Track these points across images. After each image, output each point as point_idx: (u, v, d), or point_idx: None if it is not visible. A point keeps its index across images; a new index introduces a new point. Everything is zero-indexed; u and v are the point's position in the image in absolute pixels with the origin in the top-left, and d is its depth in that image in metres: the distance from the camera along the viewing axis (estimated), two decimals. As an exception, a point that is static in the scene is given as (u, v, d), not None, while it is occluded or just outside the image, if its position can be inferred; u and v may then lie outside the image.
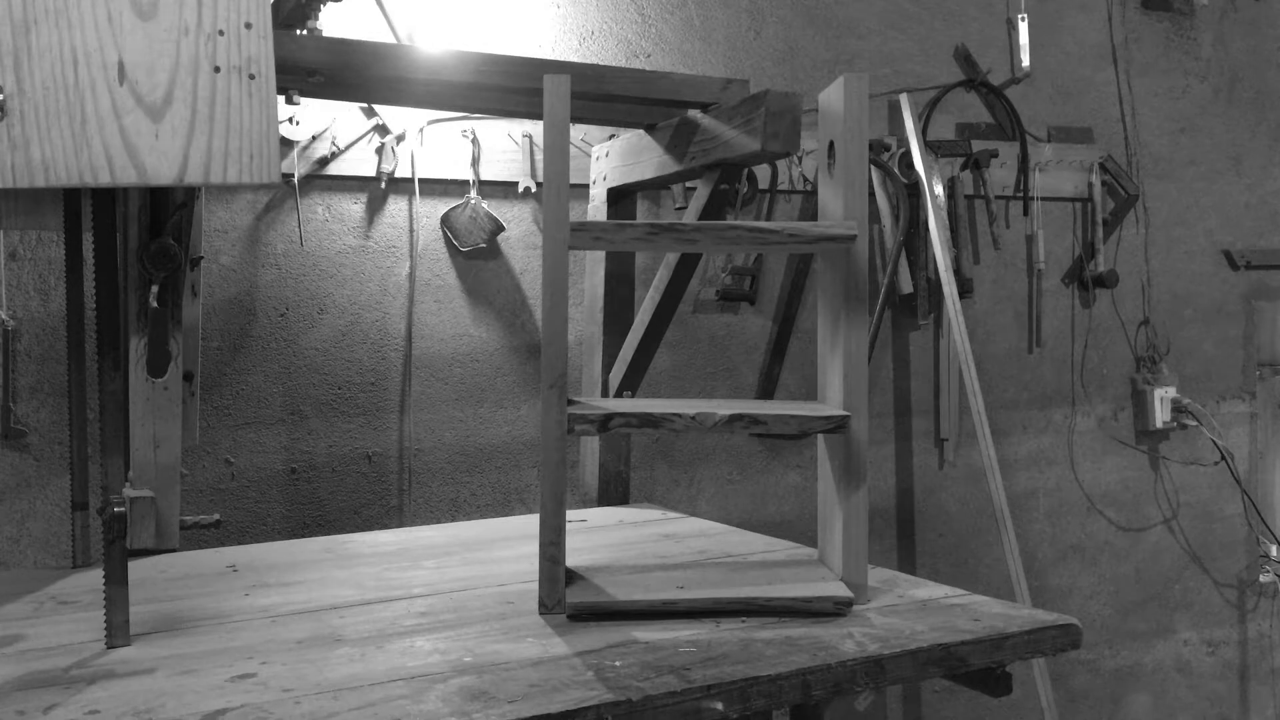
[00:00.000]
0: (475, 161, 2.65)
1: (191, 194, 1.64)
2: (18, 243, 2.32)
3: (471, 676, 1.37)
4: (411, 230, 2.64)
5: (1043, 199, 3.39)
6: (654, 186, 2.65)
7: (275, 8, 1.86)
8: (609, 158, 2.55)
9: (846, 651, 1.45)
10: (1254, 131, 3.82)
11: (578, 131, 2.67)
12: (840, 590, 1.65)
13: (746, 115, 2.00)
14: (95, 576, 1.65)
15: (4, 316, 2.29)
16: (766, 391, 3.04)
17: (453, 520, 2.67)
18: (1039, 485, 3.47)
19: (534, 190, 2.72)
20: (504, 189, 2.71)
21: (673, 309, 2.37)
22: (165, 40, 1.39)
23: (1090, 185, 3.46)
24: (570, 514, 2.33)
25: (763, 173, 2.97)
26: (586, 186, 2.68)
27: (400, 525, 2.60)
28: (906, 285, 3.16)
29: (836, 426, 1.68)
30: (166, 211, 1.58)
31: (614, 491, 2.59)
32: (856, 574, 1.70)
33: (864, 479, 1.70)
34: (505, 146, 2.69)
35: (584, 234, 1.66)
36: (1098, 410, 3.55)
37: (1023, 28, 3.34)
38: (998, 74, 3.35)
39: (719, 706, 1.33)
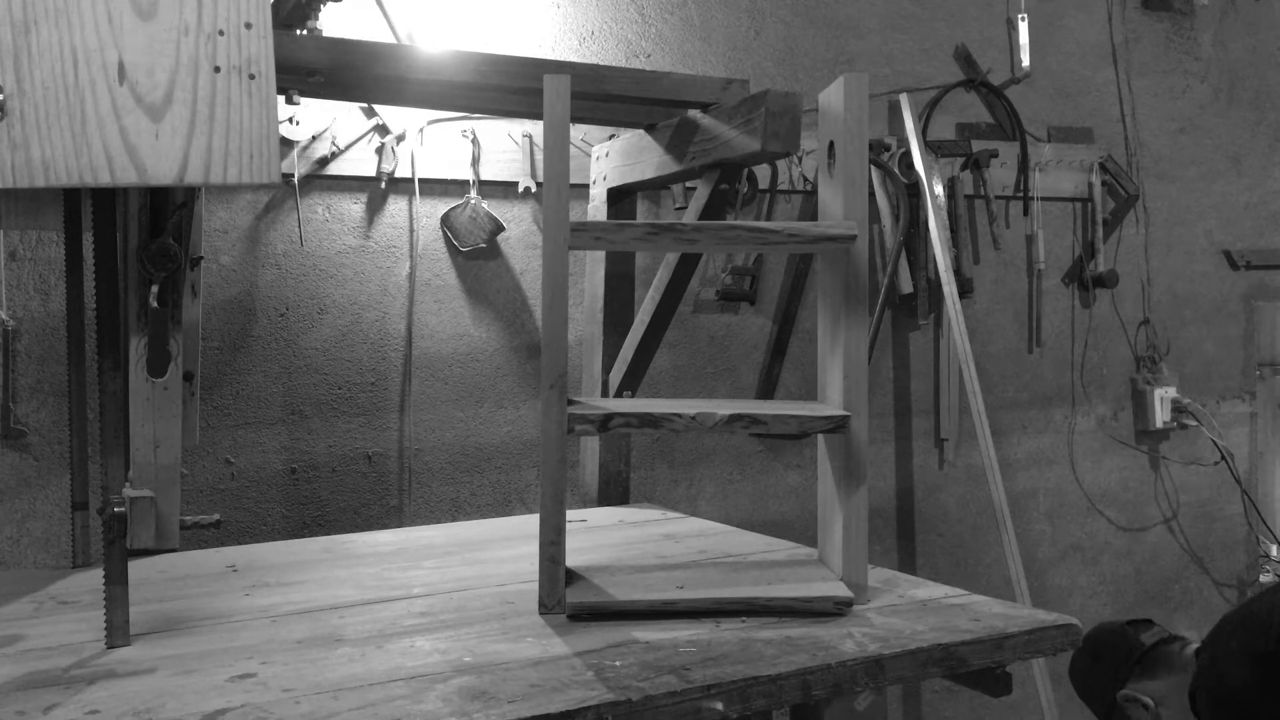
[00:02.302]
0: (475, 161, 2.65)
1: (191, 194, 1.64)
2: (18, 243, 2.32)
3: (471, 676, 1.37)
4: (411, 230, 2.64)
5: (1043, 199, 3.39)
6: (654, 186, 2.65)
7: (275, 8, 1.86)
8: (609, 158, 2.55)
9: (846, 651, 1.45)
10: (1254, 131, 3.82)
11: (578, 131, 2.67)
12: (840, 590, 1.65)
13: (746, 115, 2.00)
14: (95, 576, 1.65)
15: (4, 316, 2.29)
16: (766, 391, 3.04)
17: (453, 520, 2.67)
18: (1039, 485, 3.46)
19: (534, 190, 2.72)
20: (504, 189, 2.71)
21: (673, 309, 2.37)
22: (165, 40, 1.39)
23: (1090, 185, 3.46)
24: (570, 514, 2.33)
25: (763, 173, 2.97)
26: (586, 186, 2.68)
27: (400, 525, 2.60)
28: (906, 285, 3.16)
29: (836, 426, 1.68)
30: (166, 211, 1.58)
31: (614, 491, 2.59)
32: (856, 574, 1.70)
33: (864, 479, 1.70)
34: (505, 146, 2.69)
35: (584, 234, 1.66)
36: (1098, 410, 3.55)
37: (1023, 28, 3.35)
38: (998, 74, 3.35)
39: (719, 706, 1.33)
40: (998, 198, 3.33)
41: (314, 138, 2.52)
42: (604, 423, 1.66)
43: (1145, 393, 3.57)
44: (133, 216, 1.58)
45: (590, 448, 2.62)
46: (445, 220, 2.66)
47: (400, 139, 2.59)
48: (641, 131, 2.39)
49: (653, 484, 2.91)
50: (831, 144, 1.74)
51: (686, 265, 2.30)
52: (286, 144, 2.48)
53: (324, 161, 2.54)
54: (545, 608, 1.64)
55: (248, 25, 1.42)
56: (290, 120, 2.46)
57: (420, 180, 2.62)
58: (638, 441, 2.84)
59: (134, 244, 1.58)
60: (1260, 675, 1.74)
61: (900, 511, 3.27)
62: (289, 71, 1.89)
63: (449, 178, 2.65)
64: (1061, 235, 3.47)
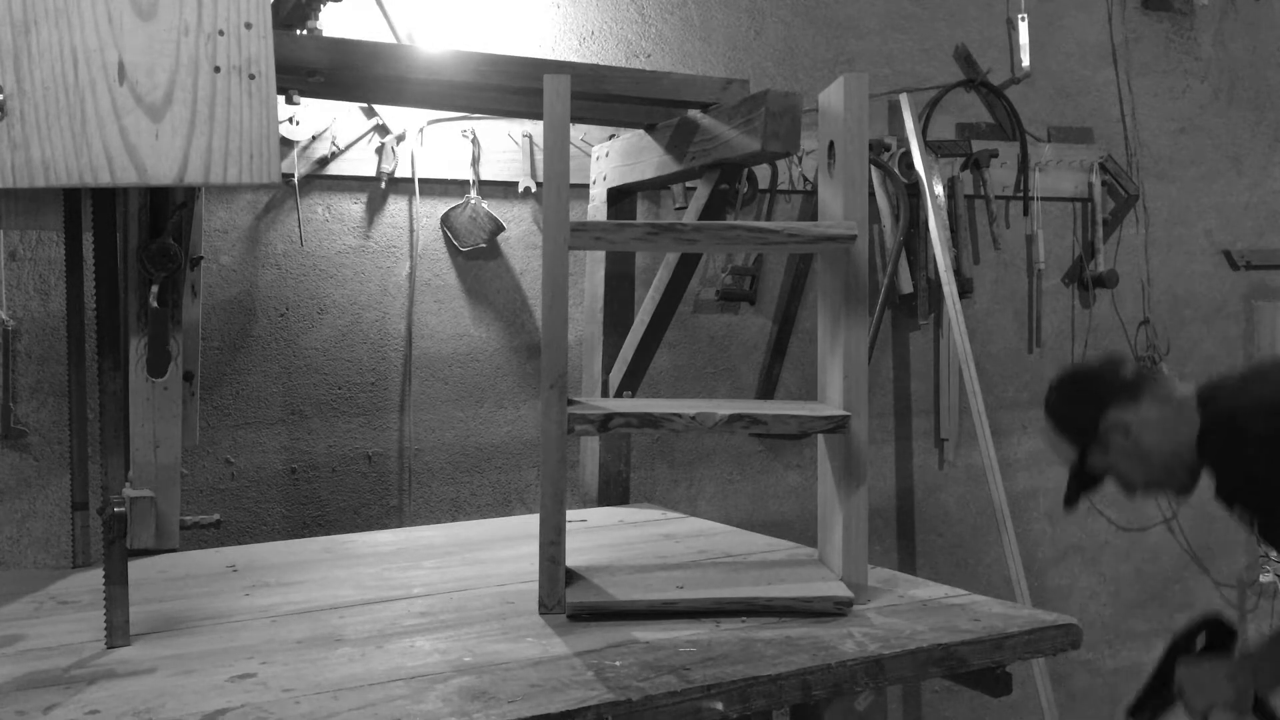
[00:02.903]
0: (475, 161, 2.65)
1: (191, 194, 1.64)
2: (18, 243, 2.32)
3: (471, 676, 1.37)
4: (411, 230, 2.64)
5: (1043, 199, 3.39)
6: (654, 186, 2.65)
7: (275, 8, 1.86)
8: (609, 158, 2.55)
9: (846, 651, 1.45)
10: (1254, 131, 3.82)
11: (578, 131, 2.67)
12: (840, 590, 1.65)
13: (746, 115, 2.00)
14: (95, 576, 1.65)
15: (4, 316, 2.29)
16: (766, 391, 3.04)
17: (453, 520, 2.66)
18: (1039, 485, 3.46)
19: (534, 190, 2.72)
20: (504, 189, 2.71)
21: (673, 309, 2.37)
22: (165, 40, 1.39)
23: (1090, 185, 3.45)
24: (570, 514, 2.33)
25: (763, 173, 2.97)
26: (586, 186, 2.68)
27: (400, 525, 2.60)
28: (906, 285, 3.16)
29: (836, 426, 1.68)
30: (166, 211, 1.58)
31: (614, 491, 2.59)
32: (856, 574, 1.70)
33: (864, 479, 1.70)
34: (505, 146, 2.69)
35: (584, 234, 1.66)
36: (1098, 410, 3.54)
37: (1023, 28, 3.34)
38: (998, 74, 3.35)
39: (719, 706, 1.33)
40: (998, 198, 3.33)
41: (314, 138, 2.52)
42: (604, 423, 1.66)
43: (1145, 393, 3.56)
44: (133, 216, 1.58)
45: (590, 448, 2.62)
46: (445, 220, 2.66)
47: (400, 139, 2.58)
48: (641, 131, 2.39)
49: (653, 484, 2.91)
50: (831, 144, 1.74)
51: (686, 265, 2.30)
52: (286, 144, 2.48)
53: (324, 161, 2.53)
54: (545, 608, 1.64)
55: (248, 25, 1.42)
56: (290, 120, 2.46)
57: (420, 180, 2.62)
58: (638, 441, 2.84)
59: (134, 244, 1.58)
60: None
61: (900, 511, 3.27)
62: (289, 71, 1.89)
63: (449, 178, 2.65)
64: (1061, 235, 3.47)
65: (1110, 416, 1.96)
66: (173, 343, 1.61)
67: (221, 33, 1.41)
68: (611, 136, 2.65)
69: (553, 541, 1.63)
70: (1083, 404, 2.02)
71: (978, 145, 3.28)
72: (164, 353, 1.60)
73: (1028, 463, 3.44)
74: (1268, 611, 3.85)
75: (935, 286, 3.15)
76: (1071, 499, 2.10)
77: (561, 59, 2.74)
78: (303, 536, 2.50)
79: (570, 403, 1.68)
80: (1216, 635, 2.08)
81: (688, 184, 2.71)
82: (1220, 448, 1.85)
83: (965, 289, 3.23)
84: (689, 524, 2.34)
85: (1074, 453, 2.03)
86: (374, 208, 2.62)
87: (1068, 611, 2.22)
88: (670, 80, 2.15)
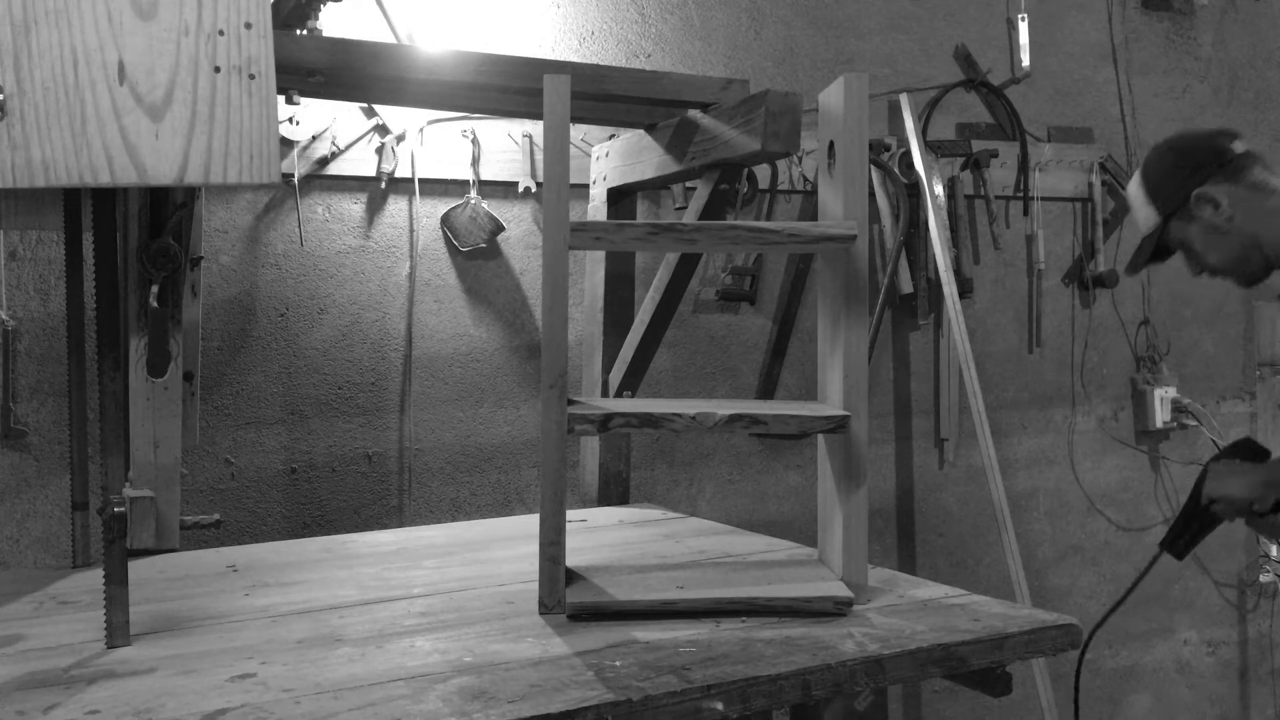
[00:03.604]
0: (475, 161, 2.65)
1: (191, 194, 1.64)
2: (18, 243, 2.32)
3: (471, 676, 1.37)
4: (411, 230, 2.64)
5: (1043, 199, 3.39)
6: (654, 186, 2.65)
7: (275, 8, 1.86)
8: (609, 158, 2.55)
9: (846, 651, 1.45)
10: (1254, 131, 3.81)
11: (578, 131, 2.67)
12: (840, 590, 1.65)
13: (746, 115, 2.00)
14: (95, 576, 1.65)
15: (4, 316, 2.29)
16: (766, 391, 3.04)
17: (453, 520, 2.67)
18: (1039, 485, 3.46)
19: (534, 190, 2.72)
20: (504, 189, 2.71)
21: (673, 309, 2.37)
22: (165, 40, 1.39)
23: (1090, 185, 3.46)
24: (570, 514, 2.33)
25: (763, 173, 2.97)
26: (586, 186, 2.68)
27: (400, 525, 2.60)
28: (906, 285, 3.16)
29: (836, 426, 1.68)
30: (166, 211, 1.58)
31: (614, 491, 2.59)
32: (856, 574, 1.70)
33: (864, 479, 1.70)
34: (505, 146, 2.69)
35: (584, 234, 1.66)
36: (1098, 410, 3.55)
37: (1023, 28, 3.35)
38: (998, 74, 3.35)
39: (719, 706, 1.33)
40: (998, 198, 3.33)
41: (314, 138, 2.52)
42: (604, 423, 1.66)
43: (1145, 393, 3.56)
44: (133, 216, 1.59)
45: (590, 448, 2.62)
46: (445, 220, 2.66)
47: (400, 139, 2.59)
48: (641, 131, 2.39)
49: (653, 484, 2.91)
50: (831, 144, 1.74)
51: (686, 265, 2.30)
52: (286, 144, 2.48)
53: (324, 161, 2.54)
54: (545, 608, 1.64)
55: (248, 25, 1.42)
56: (290, 120, 2.46)
57: (420, 180, 2.62)
58: (638, 441, 2.84)
59: (134, 244, 1.58)
60: None
61: (900, 511, 3.27)
62: (289, 71, 1.89)
63: (449, 178, 2.65)
64: (1061, 235, 3.47)
65: (1206, 189, 1.94)
66: (173, 343, 1.61)
67: (221, 33, 1.41)
68: (611, 136, 2.65)
69: (553, 541, 1.63)
70: (1180, 170, 1.98)
71: (978, 145, 3.28)
72: (164, 353, 1.60)
73: (1028, 463, 3.44)
74: (1267, 612, 3.85)
75: (935, 286, 3.15)
76: (1137, 265, 2.09)
77: (561, 59, 2.74)
78: (303, 536, 2.50)
79: (570, 403, 1.68)
80: (1249, 457, 2.09)
81: (688, 184, 2.72)
82: None
83: (965, 289, 3.23)
84: (689, 524, 2.34)
85: (1157, 220, 2.01)
86: (374, 208, 2.62)
87: (1068, 611, 2.22)
88: (670, 80, 2.15)
